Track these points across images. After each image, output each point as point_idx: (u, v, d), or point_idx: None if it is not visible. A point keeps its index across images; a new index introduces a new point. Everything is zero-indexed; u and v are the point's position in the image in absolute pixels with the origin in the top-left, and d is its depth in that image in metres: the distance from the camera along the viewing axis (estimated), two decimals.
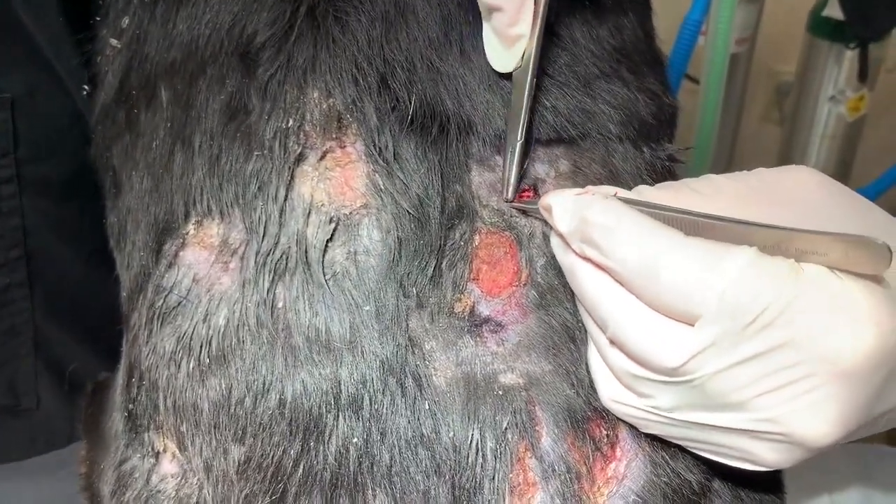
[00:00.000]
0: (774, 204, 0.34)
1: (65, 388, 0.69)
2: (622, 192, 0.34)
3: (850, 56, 1.22)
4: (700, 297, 0.30)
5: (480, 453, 0.36)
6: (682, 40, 1.08)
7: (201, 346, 0.39)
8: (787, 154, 1.38)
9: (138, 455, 0.43)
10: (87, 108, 0.61)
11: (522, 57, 0.37)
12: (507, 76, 0.39)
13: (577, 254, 0.34)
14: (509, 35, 0.37)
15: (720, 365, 0.30)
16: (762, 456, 0.32)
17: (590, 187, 0.35)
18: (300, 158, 0.38)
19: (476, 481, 0.36)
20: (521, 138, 0.38)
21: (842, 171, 1.35)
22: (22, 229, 0.63)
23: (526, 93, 0.38)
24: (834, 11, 1.18)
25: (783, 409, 0.30)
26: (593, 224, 0.32)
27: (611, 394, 0.35)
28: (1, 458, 0.68)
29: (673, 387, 0.32)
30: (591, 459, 0.37)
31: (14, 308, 0.65)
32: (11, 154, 0.61)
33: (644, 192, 0.35)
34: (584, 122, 0.41)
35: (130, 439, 0.43)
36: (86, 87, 0.58)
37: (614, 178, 0.41)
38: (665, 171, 0.44)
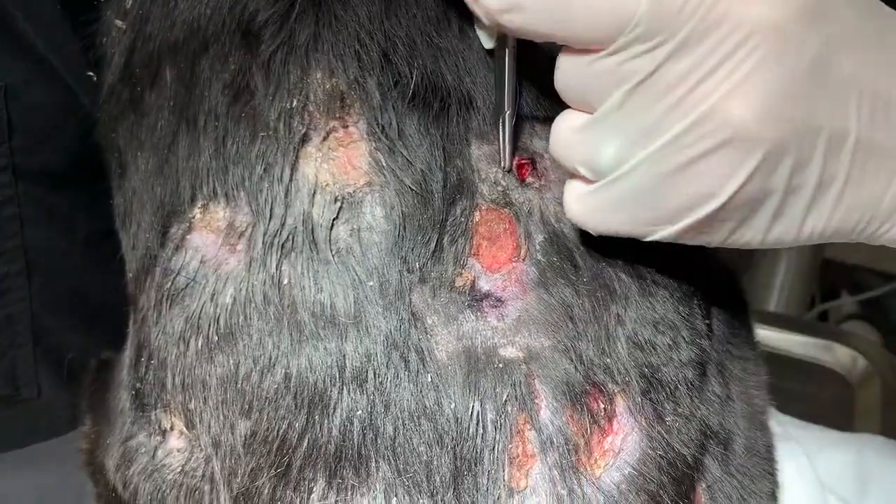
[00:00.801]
0: None
1: (64, 376, 0.70)
2: None
3: None
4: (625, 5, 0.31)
5: (481, 424, 0.37)
6: None
7: (209, 325, 0.39)
8: None
9: (144, 433, 0.43)
10: (86, 94, 0.62)
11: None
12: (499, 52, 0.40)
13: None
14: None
15: (655, 62, 0.31)
16: (717, 181, 0.32)
17: None
18: (304, 139, 0.39)
19: (477, 452, 0.37)
20: (508, 107, 0.39)
21: None
22: (19, 218, 0.64)
23: (507, 63, 0.39)
24: None
25: (717, 94, 0.30)
26: None
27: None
28: (1, 447, 0.69)
29: (611, 118, 0.33)
30: (589, 432, 0.37)
31: (12, 297, 0.66)
32: (6, 143, 0.61)
33: None
34: None
35: (137, 417, 0.44)
36: (91, 73, 0.59)
37: None
38: None
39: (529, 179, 0.40)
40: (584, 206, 0.37)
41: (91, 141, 0.63)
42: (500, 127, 0.39)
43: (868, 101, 0.32)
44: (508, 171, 0.40)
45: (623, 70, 0.32)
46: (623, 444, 0.38)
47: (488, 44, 0.40)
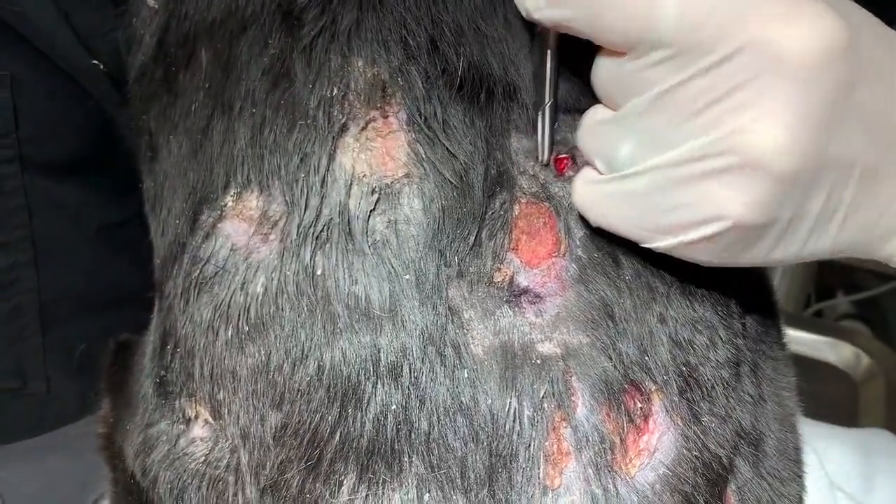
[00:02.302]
0: None
1: (74, 368, 0.69)
2: None
3: None
4: (654, 19, 0.31)
5: (518, 421, 0.36)
6: None
7: (239, 314, 0.39)
8: None
9: (167, 420, 0.43)
10: (93, 86, 0.61)
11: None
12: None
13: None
14: None
15: (680, 77, 0.31)
16: (726, 204, 0.32)
17: None
18: (343, 129, 0.38)
19: (512, 448, 0.36)
20: (549, 99, 0.39)
21: None
22: (27, 209, 0.63)
23: (549, 55, 0.38)
24: None
25: (740, 119, 0.30)
26: None
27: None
28: (9, 437, 0.68)
29: (632, 120, 0.34)
30: (625, 431, 0.37)
31: (20, 287, 0.65)
32: (13, 133, 0.61)
33: None
34: None
35: (159, 405, 0.43)
36: (96, 61, 0.58)
37: None
38: None
39: (569, 173, 0.39)
40: (590, 193, 0.37)
41: (99, 132, 0.62)
42: (540, 119, 0.39)
43: (882, 132, 0.32)
44: (546, 165, 0.39)
45: (649, 76, 0.33)
46: (658, 444, 0.38)
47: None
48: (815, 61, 0.29)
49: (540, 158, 0.39)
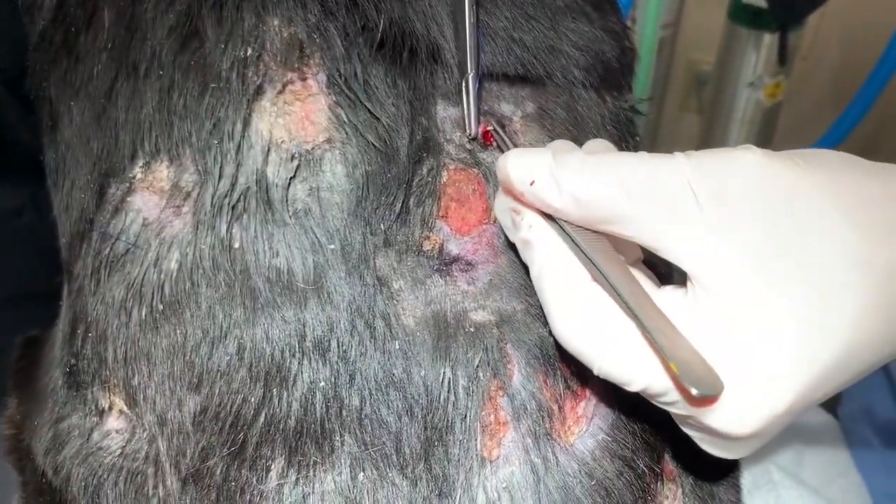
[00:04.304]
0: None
1: None
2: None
3: (768, 43, 1.27)
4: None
5: (452, 392, 0.35)
6: None
7: (153, 293, 0.36)
8: (706, 140, 1.43)
9: (79, 414, 0.40)
10: None
11: None
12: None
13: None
14: None
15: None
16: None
17: None
18: (259, 92, 0.36)
19: (448, 421, 0.35)
20: (471, 69, 0.37)
21: None
22: None
23: (467, 18, 0.37)
24: None
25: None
26: None
27: None
28: None
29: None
30: (563, 398, 0.36)
31: None
32: None
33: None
34: (550, 62, 0.40)
35: (70, 397, 0.40)
36: None
37: (578, 125, 0.41)
38: (627, 122, 0.44)
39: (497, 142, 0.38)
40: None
41: None
42: (464, 91, 0.37)
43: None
44: (474, 140, 0.38)
45: None
46: (596, 409, 0.37)
47: None
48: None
49: (467, 132, 0.38)
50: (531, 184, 0.32)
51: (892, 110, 1.33)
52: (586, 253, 0.31)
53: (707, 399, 0.28)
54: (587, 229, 0.32)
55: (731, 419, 0.29)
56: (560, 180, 0.31)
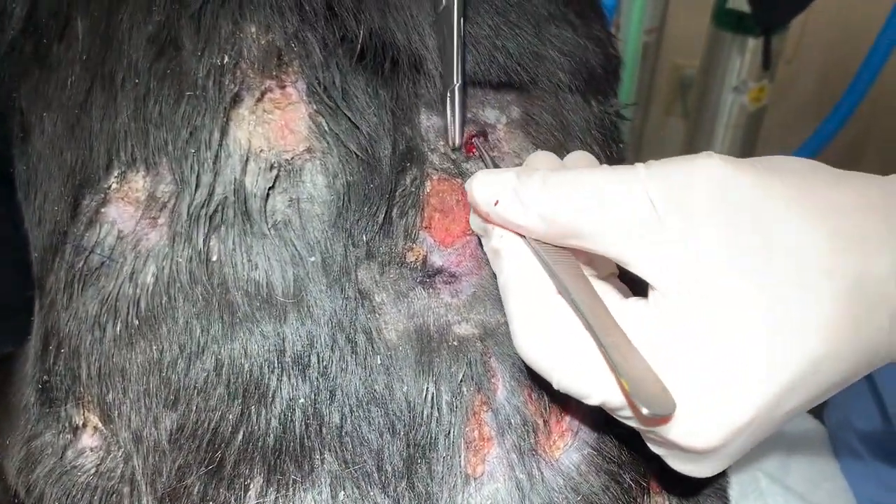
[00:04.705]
0: None
1: None
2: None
3: (752, 47, 1.27)
4: None
5: (436, 407, 0.34)
6: None
7: (128, 308, 0.35)
8: (691, 145, 1.43)
9: (52, 431, 0.39)
10: None
11: None
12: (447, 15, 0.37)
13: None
14: None
15: None
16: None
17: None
18: (236, 99, 0.35)
19: (431, 437, 0.34)
20: (457, 80, 0.36)
21: None
22: None
23: (455, 29, 0.36)
24: (738, 3, 1.23)
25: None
26: None
27: None
28: None
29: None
30: (548, 412, 0.36)
31: None
32: None
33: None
34: (535, 67, 0.40)
35: (43, 414, 0.39)
36: None
37: (565, 130, 0.40)
38: (612, 127, 0.43)
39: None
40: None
41: None
42: (449, 101, 0.36)
43: None
44: (457, 150, 0.37)
45: None
46: (582, 424, 0.36)
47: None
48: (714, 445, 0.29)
49: (450, 143, 0.37)
50: (495, 204, 0.32)
51: (877, 112, 1.34)
52: (550, 268, 0.31)
53: (659, 419, 0.28)
54: (553, 245, 0.32)
55: (691, 432, 0.28)
56: (523, 199, 0.31)
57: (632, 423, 0.30)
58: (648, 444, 0.32)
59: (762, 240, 0.28)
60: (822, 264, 0.28)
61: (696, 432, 0.28)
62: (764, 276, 0.28)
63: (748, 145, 1.39)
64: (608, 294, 0.31)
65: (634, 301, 0.31)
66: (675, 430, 0.29)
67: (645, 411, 0.26)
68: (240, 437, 0.34)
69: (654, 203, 0.29)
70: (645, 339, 0.29)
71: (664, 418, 0.28)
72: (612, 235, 0.29)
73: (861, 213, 0.29)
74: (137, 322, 0.35)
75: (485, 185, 0.33)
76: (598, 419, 0.37)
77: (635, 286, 0.34)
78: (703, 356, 0.28)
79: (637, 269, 0.29)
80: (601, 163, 0.38)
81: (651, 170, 0.29)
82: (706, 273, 0.28)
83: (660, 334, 0.29)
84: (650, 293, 0.30)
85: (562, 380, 0.30)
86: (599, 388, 0.29)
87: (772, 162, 0.30)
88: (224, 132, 0.35)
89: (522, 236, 0.32)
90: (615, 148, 0.44)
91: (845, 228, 0.28)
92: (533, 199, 0.31)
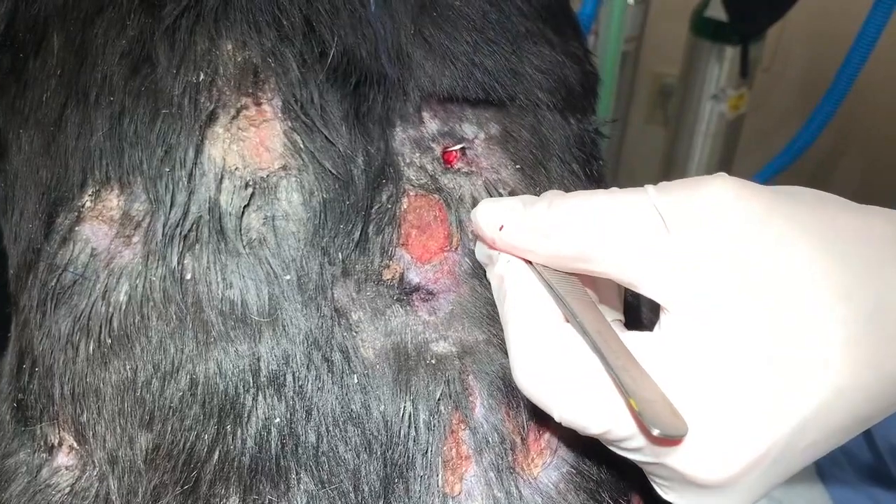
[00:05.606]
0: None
1: None
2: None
3: (731, 56, 1.28)
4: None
5: (413, 426, 0.34)
6: None
7: (101, 326, 0.35)
8: (671, 151, 1.44)
9: (27, 450, 0.38)
10: None
11: None
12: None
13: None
14: None
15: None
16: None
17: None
18: (211, 117, 0.35)
19: (408, 456, 0.34)
20: None
21: (723, 167, 1.42)
22: None
23: None
24: (715, 12, 1.24)
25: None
26: None
27: None
28: None
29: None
30: (526, 430, 0.35)
31: None
32: None
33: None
34: (513, 84, 0.40)
35: (18, 432, 0.39)
36: None
37: (543, 147, 0.40)
38: (592, 144, 0.43)
39: (458, 165, 0.38)
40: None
41: None
42: None
43: None
44: (435, 159, 0.37)
45: None
46: (560, 441, 0.36)
47: None
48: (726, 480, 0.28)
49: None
50: (500, 229, 0.32)
51: (856, 118, 1.35)
52: (557, 292, 0.31)
53: (669, 440, 0.27)
54: (559, 271, 0.31)
55: (700, 461, 0.27)
56: (530, 221, 0.31)
57: (636, 457, 0.29)
58: (651, 480, 0.31)
59: (776, 264, 0.27)
60: (839, 290, 0.27)
61: (705, 463, 0.27)
62: (779, 301, 0.27)
63: (728, 152, 1.40)
64: (615, 321, 0.31)
65: (642, 331, 0.30)
66: (682, 459, 0.28)
67: (656, 432, 0.25)
68: (215, 456, 0.34)
69: (667, 224, 0.28)
70: (655, 364, 0.28)
71: (675, 440, 0.27)
72: (622, 256, 0.29)
73: (878, 242, 0.28)
74: (110, 341, 0.35)
75: (490, 211, 0.33)
76: (578, 437, 0.37)
77: (639, 324, 0.34)
78: (716, 383, 0.27)
79: (648, 290, 0.29)
80: (581, 181, 0.38)
81: (662, 191, 0.29)
82: (719, 297, 0.27)
83: (671, 360, 0.28)
84: (662, 316, 0.29)
85: (564, 411, 0.29)
86: (603, 419, 0.28)
87: (785, 189, 0.30)
88: (199, 150, 0.35)
89: (529, 262, 0.32)
90: (595, 165, 0.44)
91: (863, 255, 0.28)
92: (540, 220, 0.31)
